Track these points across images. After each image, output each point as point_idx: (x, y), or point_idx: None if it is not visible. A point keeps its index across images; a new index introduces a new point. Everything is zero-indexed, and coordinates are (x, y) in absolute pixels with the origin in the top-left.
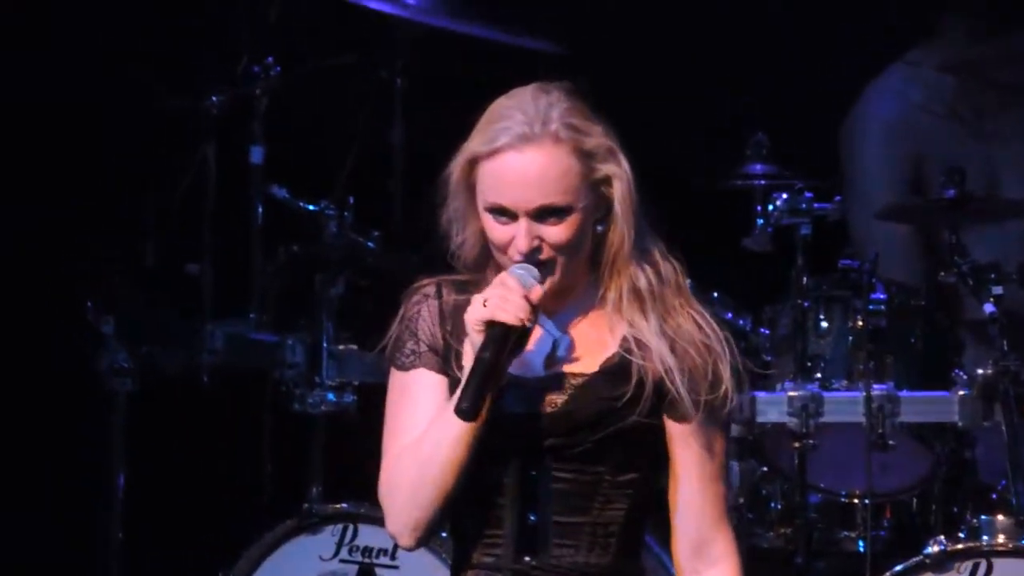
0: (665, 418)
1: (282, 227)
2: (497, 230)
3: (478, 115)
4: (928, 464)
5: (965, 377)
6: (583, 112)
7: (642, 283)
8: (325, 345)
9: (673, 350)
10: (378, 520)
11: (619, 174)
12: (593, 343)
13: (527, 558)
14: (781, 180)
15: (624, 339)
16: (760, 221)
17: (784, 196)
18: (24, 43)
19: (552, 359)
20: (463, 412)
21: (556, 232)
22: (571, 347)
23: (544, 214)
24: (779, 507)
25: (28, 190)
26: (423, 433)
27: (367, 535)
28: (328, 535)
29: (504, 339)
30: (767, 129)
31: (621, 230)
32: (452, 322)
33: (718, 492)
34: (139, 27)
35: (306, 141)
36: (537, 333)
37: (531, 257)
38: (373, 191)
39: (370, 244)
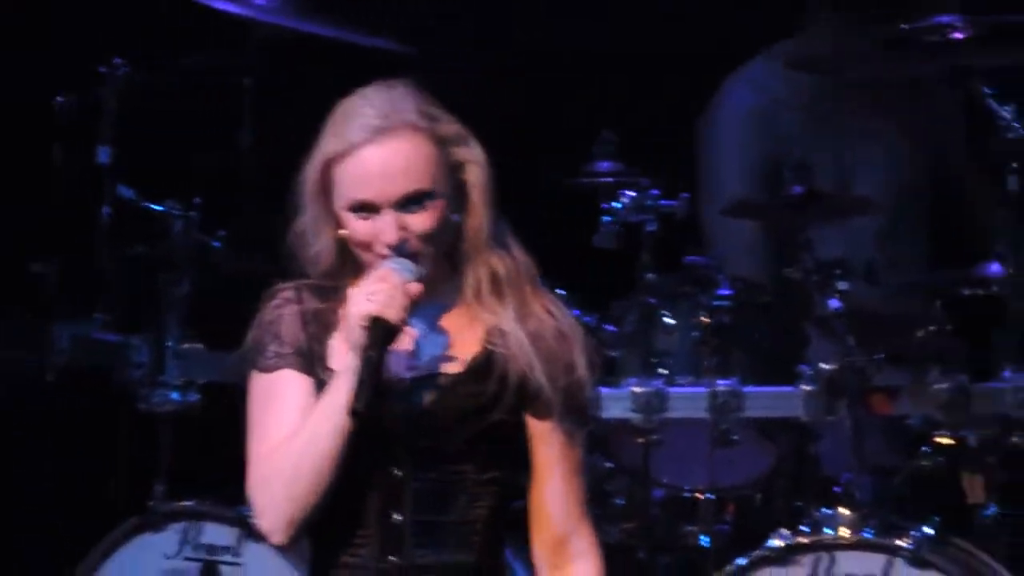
0: (526, 415)
1: (129, 227)
2: (361, 228)
3: (327, 116)
4: (772, 459)
5: (810, 372)
6: (431, 102)
7: (501, 272)
8: (170, 344)
9: (532, 340)
10: (222, 518)
11: (474, 158)
12: (457, 340)
13: (392, 557)
14: (627, 177)
15: (488, 333)
16: (607, 219)
17: (631, 194)
18: None
19: (418, 358)
20: (358, 413)
21: (422, 220)
22: (437, 345)
23: (409, 202)
24: (623, 503)
25: None
26: (298, 428)
27: (211, 533)
28: (172, 533)
29: (388, 336)
30: (614, 126)
31: (478, 217)
32: (314, 326)
33: (579, 487)
34: None
35: (154, 142)
36: (413, 329)
37: (400, 250)
38: (220, 192)
39: (216, 244)
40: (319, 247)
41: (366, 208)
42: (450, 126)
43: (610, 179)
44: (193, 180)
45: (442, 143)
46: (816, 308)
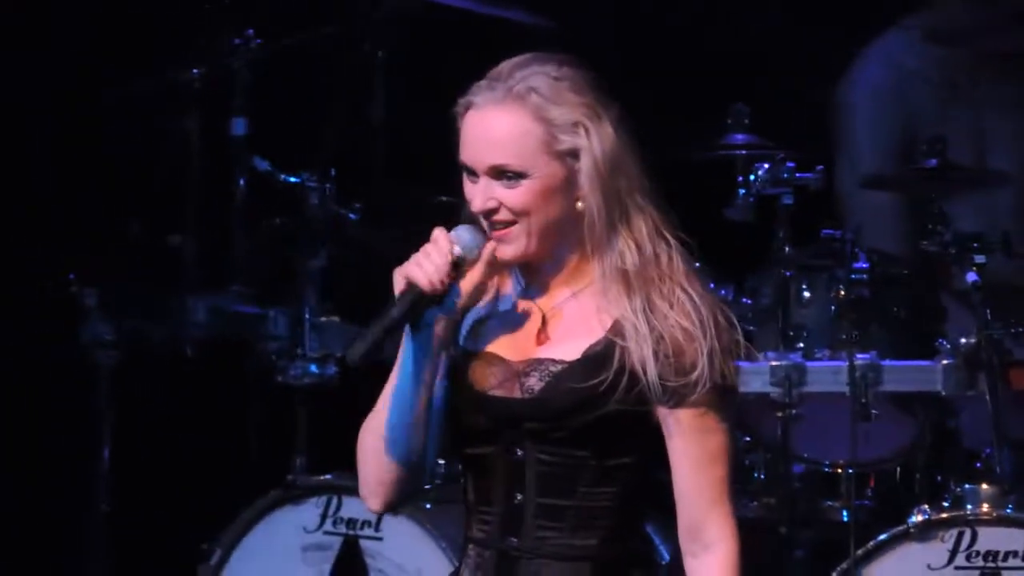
0: (655, 404)
1: (264, 199)
2: (467, 187)
3: (459, 88)
4: (912, 433)
5: (948, 346)
6: (566, 83)
7: (628, 262)
8: (307, 317)
9: (654, 337)
10: None
11: (586, 147)
12: (580, 326)
13: (512, 538)
14: (763, 150)
15: (614, 323)
16: (742, 191)
17: (766, 166)
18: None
19: (537, 340)
20: (349, 357)
21: (511, 196)
22: (559, 331)
23: (499, 174)
24: (763, 477)
25: (9, 165)
26: (381, 400)
27: (351, 507)
28: (312, 507)
29: (415, 298)
30: (748, 98)
31: (592, 207)
32: None
33: (712, 476)
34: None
35: (288, 113)
36: (526, 312)
37: (488, 217)
38: (355, 164)
39: (352, 216)
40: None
41: (469, 170)
42: (566, 110)
43: (744, 151)
44: (327, 151)
45: (548, 124)
46: (954, 281)
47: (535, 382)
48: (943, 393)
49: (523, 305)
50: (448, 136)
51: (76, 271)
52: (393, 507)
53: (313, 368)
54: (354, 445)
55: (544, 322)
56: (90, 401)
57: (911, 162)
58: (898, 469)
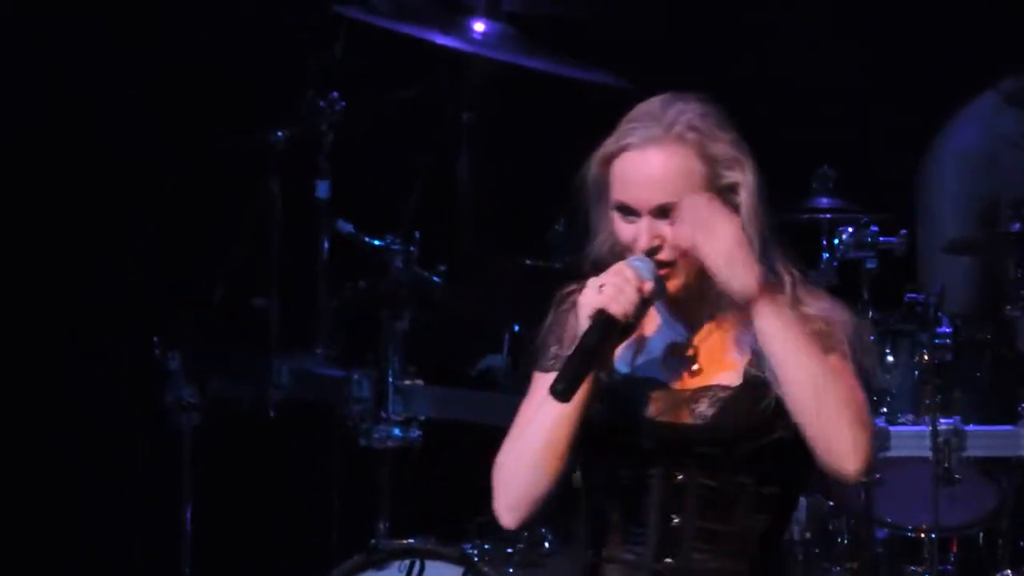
0: None
1: (348, 262)
2: (623, 228)
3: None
4: (995, 498)
5: None
6: (713, 120)
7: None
8: (391, 380)
9: None
10: (445, 556)
11: (745, 182)
12: (728, 353)
13: (668, 559)
14: (847, 213)
15: (755, 351)
16: (826, 255)
17: (850, 230)
18: (89, 86)
19: (691, 368)
20: (558, 393)
21: (677, 232)
22: (712, 357)
23: (664, 213)
24: (846, 542)
25: (97, 228)
26: (529, 418)
27: (434, 571)
28: (395, 571)
29: (610, 329)
30: (833, 162)
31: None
32: None
33: None
34: (207, 63)
35: (372, 176)
36: (675, 339)
37: (651, 255)
38: (439, 226)
39: (436, 279)
40: (598, 237)
41: (628, 210)
42: (723, 146)
43: (829, 215)
44: (411, 214)
45: (711, 161)
46: None
47: (705, 408)
48: None
49: (671, 333)
50: (528, 199)
51: (160, 334)
52: (528, 524)
53: (396, 431)
54: (437, 508)
55: (694, 350)
56: (174, 464)
57: (994, 226)
58: (981, 534)
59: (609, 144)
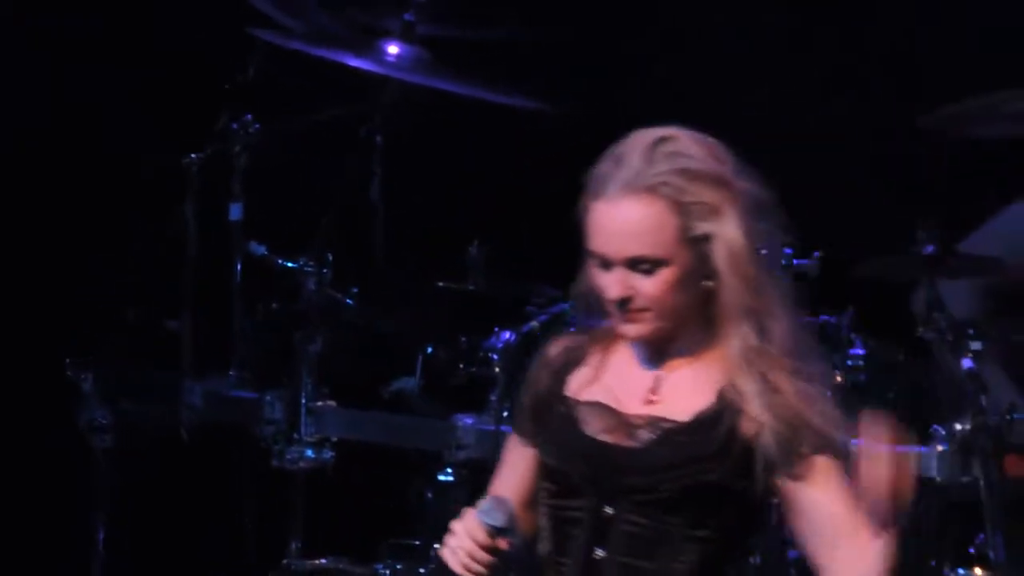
0: (778, 483)
1: (261, 284)
2: (597, 275)
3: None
4: (906, 518)
5: (944, 433)
6: (699, 161)
7: (750, 340)
8: (304, 401)
9: (769, 406)
10: None
11: (720, 233)
12: (692, 392)
13: None
14: None
15: (725, 392)
16: None
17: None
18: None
19: (648, 399)
20: None
21: (648, 284)
22: (673, 393)
23: (636, 265)
24: (759, 562)
25: (5, 250)
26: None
27: None
28: None
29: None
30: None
31: (726, 288)
32: (562, 369)
33: (847, 514)
34: (116, 87)
35: (285, 198)
36: (638, 371)
37: (623, 305)
38: (352, 248)
39: (348, 301)
40: (580, 278)
41: (602, 260)
42: (700, 196)
43: None
44: (324, 236)
45: (686, 214)
46: (949, 368)
47: (646, 434)
48: (938, 479)
49: (635, 364)
50: (441, 221)
51: (72, 355)
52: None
53: (309, 452)
54: (349, 528)
55: (657, 383)
56: (85, 485)
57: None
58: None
59: (590, 190)
